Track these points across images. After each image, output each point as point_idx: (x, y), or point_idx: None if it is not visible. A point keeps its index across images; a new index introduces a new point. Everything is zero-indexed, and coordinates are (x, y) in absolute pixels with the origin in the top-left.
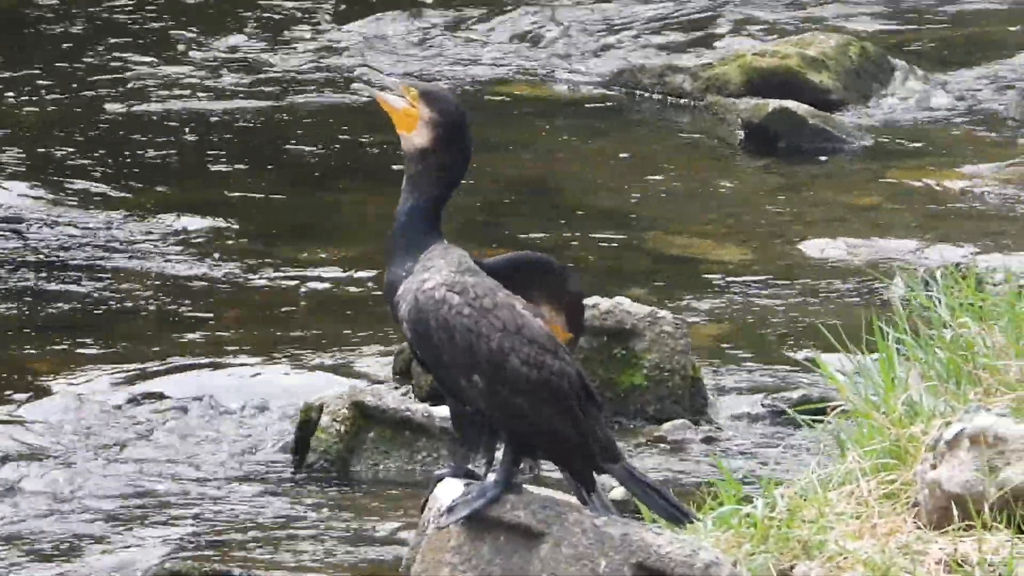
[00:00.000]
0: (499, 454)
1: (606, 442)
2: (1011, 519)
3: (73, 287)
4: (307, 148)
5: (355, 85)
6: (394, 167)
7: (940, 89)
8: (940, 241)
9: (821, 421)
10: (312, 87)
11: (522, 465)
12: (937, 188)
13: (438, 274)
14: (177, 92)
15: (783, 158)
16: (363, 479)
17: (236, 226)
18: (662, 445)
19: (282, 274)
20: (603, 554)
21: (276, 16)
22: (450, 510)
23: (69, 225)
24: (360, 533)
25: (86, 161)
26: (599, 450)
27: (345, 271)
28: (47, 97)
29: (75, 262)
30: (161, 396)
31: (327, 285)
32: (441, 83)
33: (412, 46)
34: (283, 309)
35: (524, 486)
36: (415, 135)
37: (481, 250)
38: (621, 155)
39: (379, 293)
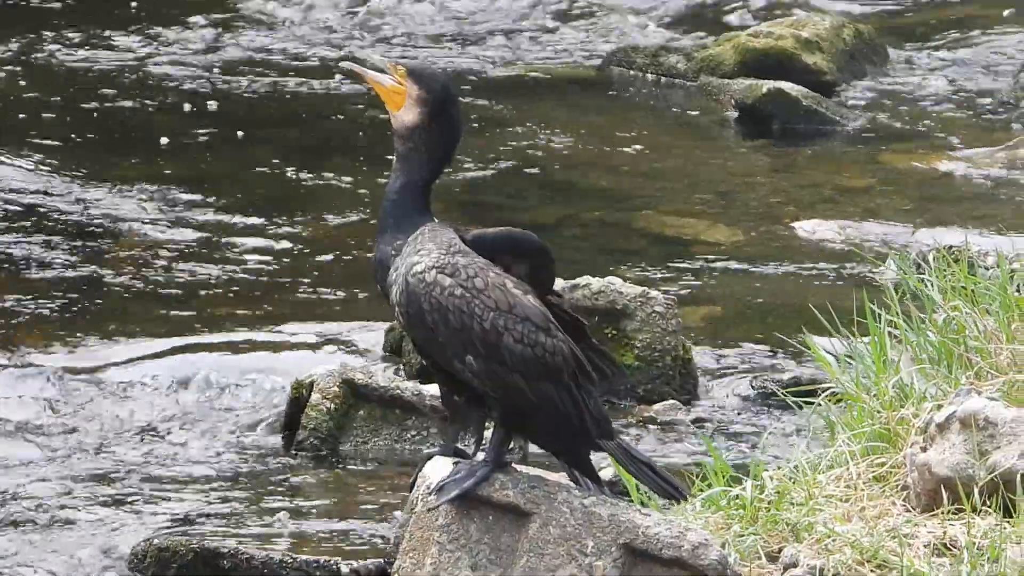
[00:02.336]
0: (488, 433)
1: (601, 419)
2: (1000, 503)
3: (59, 263)
4: (299, 125)
5: (344, 64)
6: (385, 145)
7: (934, 72)
8: (933, 224)
9: (811, 403)
10: (302, 65)
11: (512, 444)
12: (930, 171)
13: (428, 256)
14: (164, 69)
15: (777, 139)
16: (353, 457)
17: (226, 203)
18: (652, 426)
19: (273, 251)
20: (591, 534)
21: None
22: (439, 489)
23: (55, 200)
24: (349, 511)
25: (73, 137)
26: (594, 426)
27: (336, 248)
28: (32, 72)
29: (61, 238)
30: (150, 373)
31: (318, 262)
32: (431, 62)
33: (402, 26)
34: (273, 286)
35: (513, 465)
36: (404, 113)
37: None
38: (614, 135)
39: (369, 270)
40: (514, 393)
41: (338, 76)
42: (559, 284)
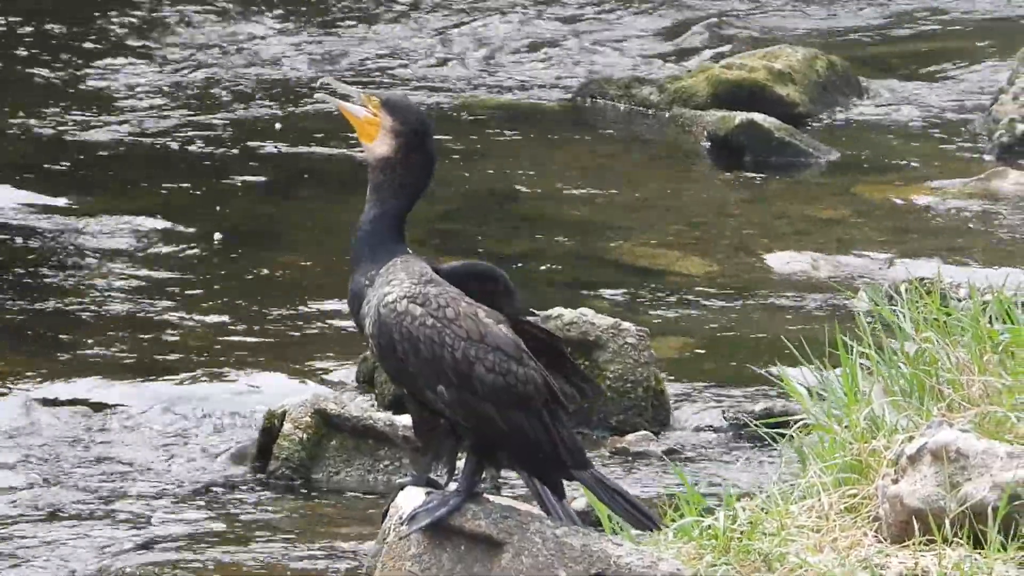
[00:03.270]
0: (461, 463)
1: (574, 448)
2: (971, 534)
3: (36, 292)
4: (272, 157)
5: (318, 95)
6: (358, 175)
7: (907, 104)
8: (905, 255)
9: (784, 434)
10: (276, 96)
11: (484, 474)
12: (903, 203)
13: (399, 287)
14: (143, 100)
15: (749, 171)
16: (325, 487)
17: (198, 234)
18: (624, 456)
19: (246, 281)
20: (563, 564)
21: (241, 26)
22: (411, 518)
23: (33, 231)
24: (321, 541)
25: (52, 168)
26: (568, 456)
27: (310, 278)
28: (12, 104)
29: (39, 268)
30: (123, 402)
31: (292, 292)
32: (404, 93)
33: (376, 57)
34: (245, 316)
35: (486, 495)
36: (377, 144)
37: (445, 261)
38: (587, 166)
39: (343, 301)
40: (485, 422)
41: (311, 107)
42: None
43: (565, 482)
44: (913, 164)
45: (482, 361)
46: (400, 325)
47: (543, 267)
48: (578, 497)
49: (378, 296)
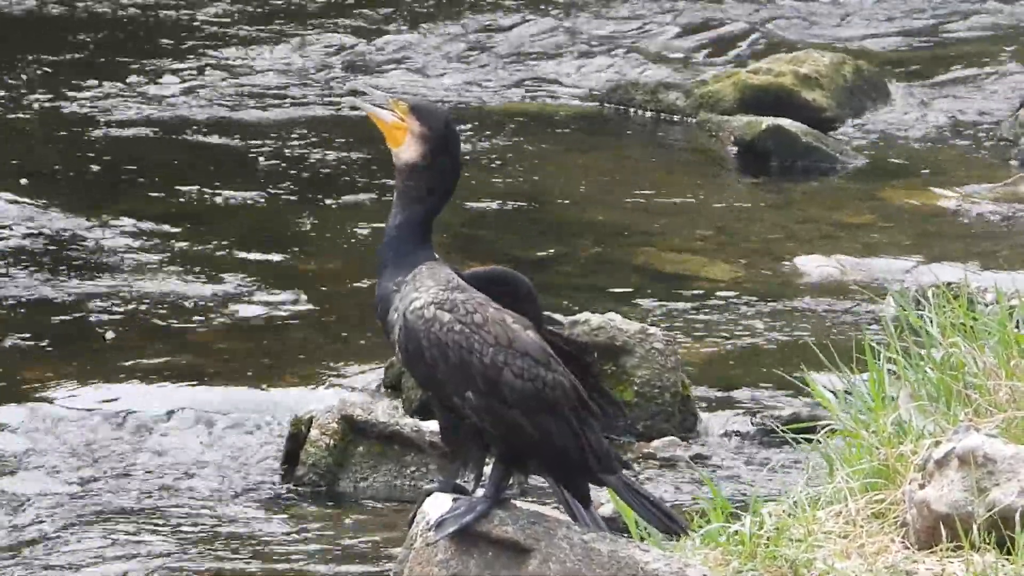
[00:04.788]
0: (488, 469)
1: (602, 453)
2: (999, 540)
3: (60, 300)
4: (298, 162)
5: (346, 100)
6: (386, 181)
7: (934, 108)
8: (932, 260)
9: (810, 440)
10: (303, 101)
11: (511, 480)
12: (929, 207)
13: (426, 293)
14: (164, 105)
15: (776, 176)
16: (352, 493)
17: (224, 239)
18: (651, 462)
19: (272, 288)
20: (591, 570)
21: (265, 29)
22: (439, 524)
23: (54, 238)
24: (348, 547)
25: (70, 172)
26: (595, 462)
27: (336, 284)
28: (28, 106)
29: (64, 275)
30: (150, 408)
31: (318, 298)
32: (431, 98)
33: (403, 61)
34: (272, 322)
35: (513, 501)
36: (405, 149)
37: (470, 266)
38: (613, 171)
39: (369, 307)
40: (514, 429)
41: (336, 112)
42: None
43: (593, 488)
44: (940, 169)
45: (510, 367)
46: (428, 331)
47: (569, 272)
48: (605, 503)
49: (405, 303)
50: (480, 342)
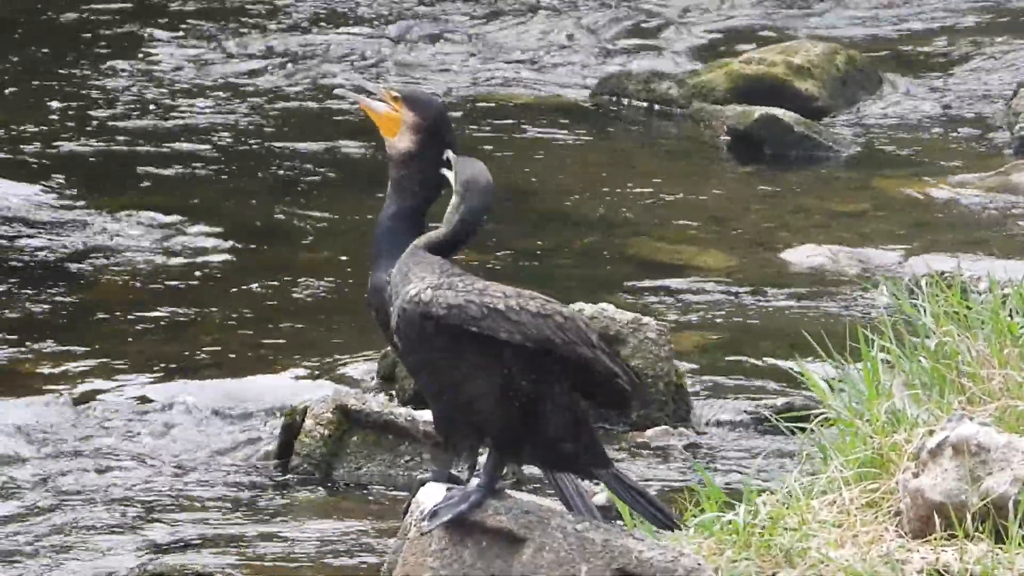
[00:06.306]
0: (482, 459)
1: (594, 447)
2: (993, 529)
3: (56, 290)
4: (291, 154)
5: (338, 91)
6: (378, 172)
7: (926, 98)
8: (925, 249)
9: (804, 429)
10: (295, 93)
11: (505, 470)
12: (922, 197)
13: (420, 282)
14: (160, 98)
15: (768, 165)
16: (346, 482)
17: (219, 230)
18: (645, 451)
19: (265, 279)
20: (584, 559)
21: (259, 24)
22: (433, 514)
23: (54, 230)
24: (342, 536)
25: (70, 166)
26: (587, 454)
27: (330, 275)
28: (29, 101)
29: (59, 266)
30: (145, 400)
31: (312, 289)
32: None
33: (398, 54)
34: (267, 313)
35: (507, 491)
36: (398, 139)
37: (463, 256)
38: (606, 161)
39: (364, 297)
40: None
41: (328, 103)
42: None
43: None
44: (933, 158)
45: (527, 309)
46: (428, 309)
47: (563, 262)
48: (599, 492)
49: (402, 295)
50: (491, 297)
